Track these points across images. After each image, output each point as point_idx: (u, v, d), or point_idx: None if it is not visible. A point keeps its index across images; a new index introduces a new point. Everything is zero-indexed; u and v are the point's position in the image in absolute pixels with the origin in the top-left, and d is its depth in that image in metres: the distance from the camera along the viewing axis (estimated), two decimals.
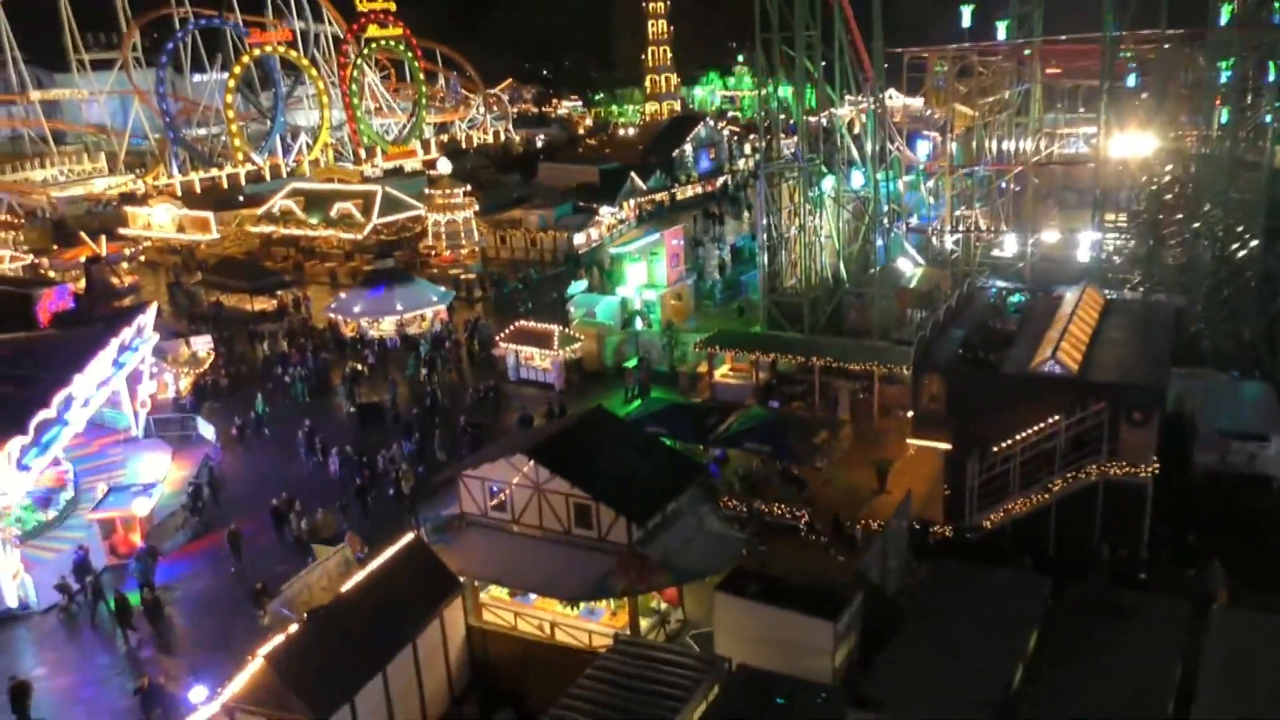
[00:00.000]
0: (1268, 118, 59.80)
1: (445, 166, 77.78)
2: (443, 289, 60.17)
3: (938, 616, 26.02)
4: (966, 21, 60.97)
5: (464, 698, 27.83)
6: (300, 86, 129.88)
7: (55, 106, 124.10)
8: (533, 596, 30.45)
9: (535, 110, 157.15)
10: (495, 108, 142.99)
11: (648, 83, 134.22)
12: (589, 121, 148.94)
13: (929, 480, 36.49)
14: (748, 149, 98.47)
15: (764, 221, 50.21)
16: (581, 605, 29.89)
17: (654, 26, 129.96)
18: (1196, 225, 51.79)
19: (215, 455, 43.94)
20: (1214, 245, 51.74)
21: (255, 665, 23.12)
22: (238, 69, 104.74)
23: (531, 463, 28.86)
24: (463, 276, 67.38)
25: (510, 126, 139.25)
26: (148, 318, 46.17)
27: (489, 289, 65.99)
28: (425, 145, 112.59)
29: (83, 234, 72.50)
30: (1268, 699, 21.42)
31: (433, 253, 72.52)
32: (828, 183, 55.08)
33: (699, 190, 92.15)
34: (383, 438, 43.93)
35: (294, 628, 24.24)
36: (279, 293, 63.77)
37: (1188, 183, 65.52)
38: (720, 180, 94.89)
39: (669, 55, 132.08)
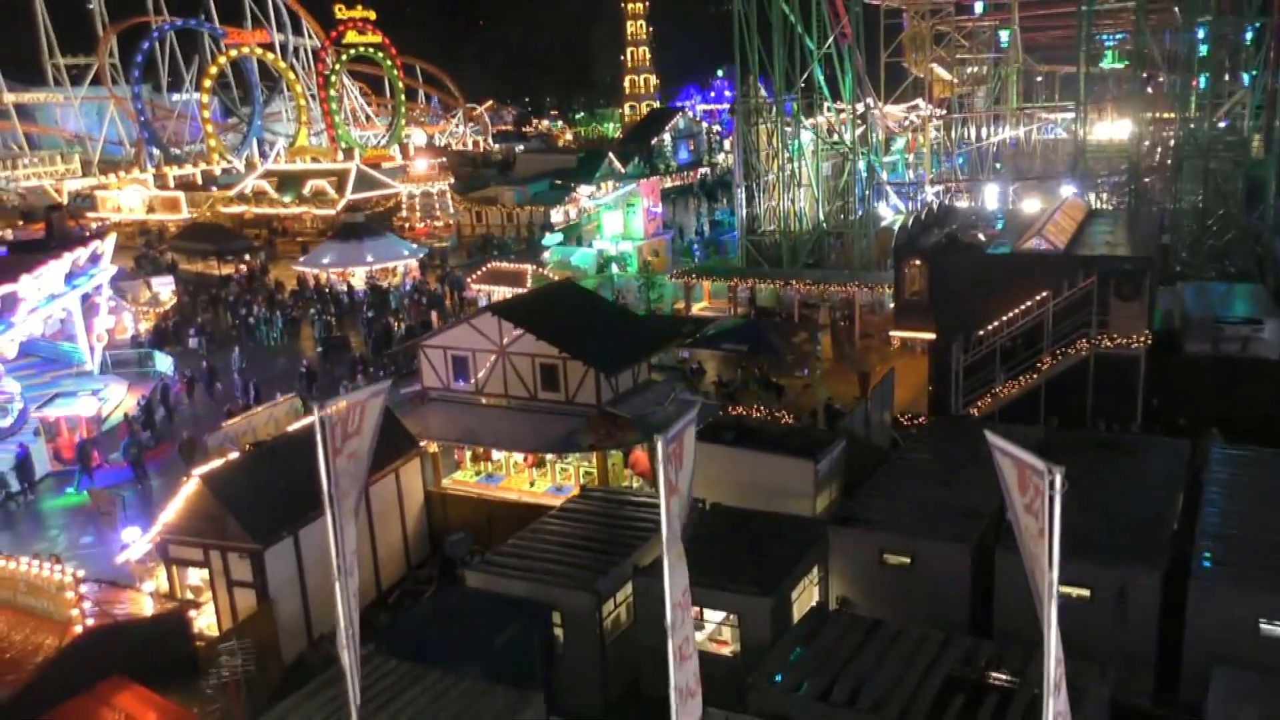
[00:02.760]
0: (1245, 79, 59.58)
1: (420, 138, 76.76)
2: (414, 245, 58.83)
3: (925, 456, 24.60)
4: None
5: (421, 567, 26.11)
6: (278, 97, 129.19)
7: (30, 113, 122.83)
8: (498, 477, 28.87)
9: (515, 130, 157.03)
10: (475, 122, 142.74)
11: (626, 83, 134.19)
12: (568, 136, 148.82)
13: (914, 388, 35.24)
14: (727, 144, 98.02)
15: (740, 159, 49.14)
16: (550, 481, 28.32)
17: (632, 26, 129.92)
18: (1179, 200, 51.16)
19: (173, 383, 42.17)
20: (1195, 215, 51.06)
21: (190, 487, 21.45)
22: (214, 68, 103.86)
23: (496, 322, 27.43)
24: (436, 244, 66.07)
25: (490, 139, 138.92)
26: (106, 245, 44.60)
27: (464, 256, 64.71)
28: (404, 150, 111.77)
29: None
30: (1265, 515, 20.30)
31: (406, 225, 71.29)
32: (806, 136, 54.31)
33: (678, 182, 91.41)
34: (346, 372, 42.32)
35: (234, 455, 22.60)
36: (247, 258, 62.26)
37: (1167, 157, 65.20)
38: (700, 172, 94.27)
39: (648, 56, 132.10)
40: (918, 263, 33.87)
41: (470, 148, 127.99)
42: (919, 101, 66.99)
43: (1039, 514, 7.60)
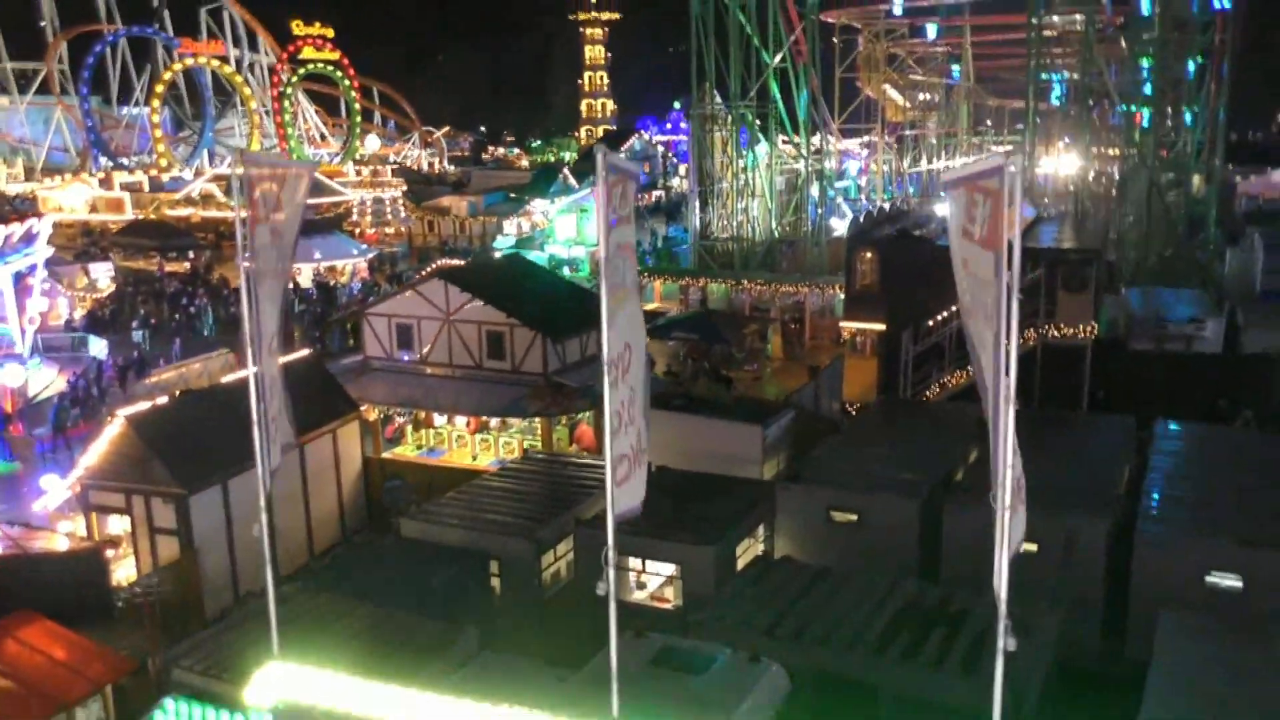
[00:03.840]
0: (1188, 117, 61.09)
1: (373, 144, 76.12)
2: (364, 245, 58.02)
3: (874, 426, 24.39)
4: (898, 10, 61.78)
5: (357, 534, 25.24)
6: (231, 112, 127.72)
7: None
8: (440, 450, 28.13)
9: (471, 156, 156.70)
10: (432, 146, 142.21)
11: (584, 107, 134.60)
12: (524, 163, 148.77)
13: (862, 385, 35.10)
14: (682, 169, 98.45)
15: (695, 165, 49.19)
16: (493, 454, 27.64)
17: (590, 51, 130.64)
18: (1123, 217, 52.12)
19: (107, 367, 40.88)
20: (1138, 233, 51.96)
21: (115, 428, 20.54)
22: (167, 75, 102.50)
23: (443, 288, 26.88)
24: (386, 250, 65.26)
25: (445, 162, 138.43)
26: (42, 225, 43.29)
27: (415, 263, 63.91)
28: (358, 168, 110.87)
29: None
30: (1209, 479, 20.37)
31: (357, 230, 70.37)
32: (761, 148, 54.58)
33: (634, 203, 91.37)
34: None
35: (163, 399, 21.74)
36: (191, 255, 60.98)
37: (1111, 187, 66.54)
38: (654, 195, 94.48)
39: (605, 81, 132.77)
40: (869, 255, 33.94)
41: (426, 169, 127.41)
42: (871, 134, 67.88)
43: (992, 230, 7.00)
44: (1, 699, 15.75)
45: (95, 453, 20.58)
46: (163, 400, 21.42)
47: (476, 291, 26.20)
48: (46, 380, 39.22)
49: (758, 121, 52.89)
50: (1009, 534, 7.50)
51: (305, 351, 25.71)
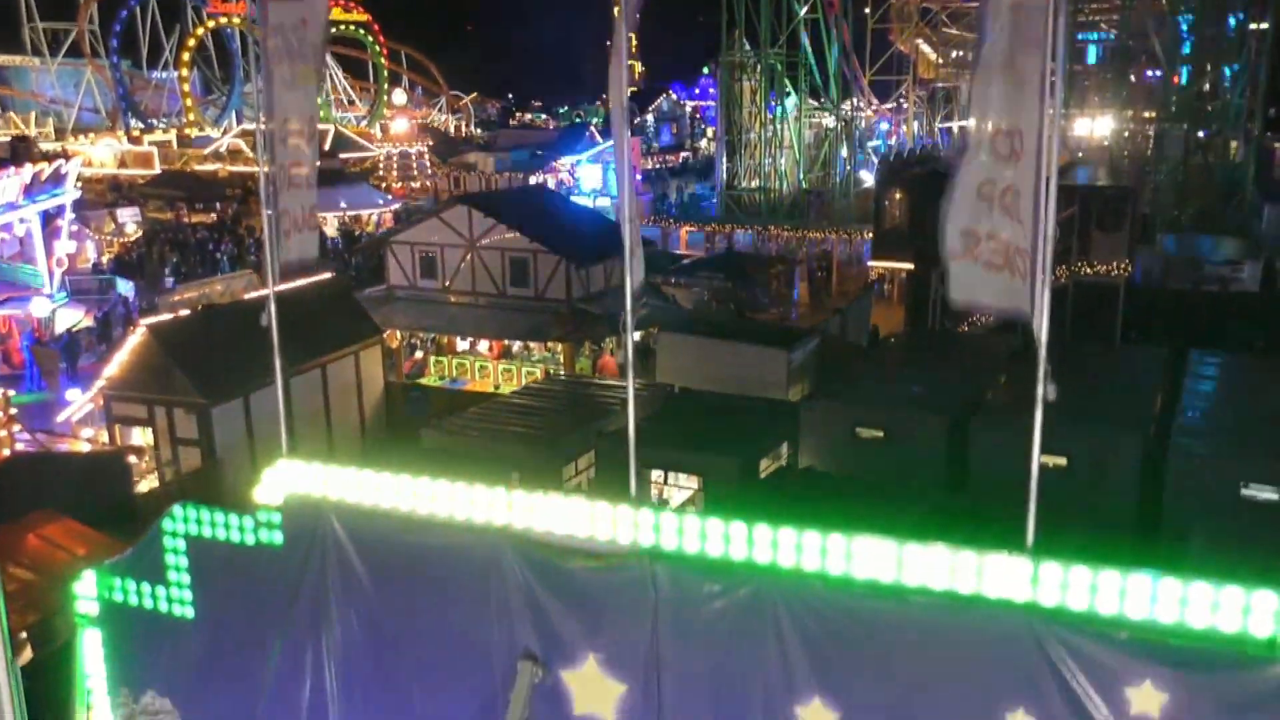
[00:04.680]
0: (1226, 74, 59.71)
1: (400, 99, 75.91)
2: (390, 196, 57.90)
3: (903, 355, 23.99)
4: None
5: None
6: (260, 76, 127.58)
7: (6, 77, 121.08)
8: (462, 381, 28.00)
9: (499, 120, 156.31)
10: (460, 111, 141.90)
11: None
12: (552, 125, 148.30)
13: (889, 329, 34.69)
14: (710, 132, 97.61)
15: (722, 114, 48.65)
16: (515, 384, 27.47)
17: (618, 9, 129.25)
18: (1158, 169, 51.10)
19: (134, 307, 41.04)
20: (1176, 199, 50.90)
21: (137, 337, 20.51)
22: (197, 33, 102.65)
23: (466, 214, 26.65)
24: (412, 204, 65.06)
25: (473, 126, 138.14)
26: (70, 167, 43.46)
27: None
28: (384, 129, 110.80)
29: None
30: (1243, 402, 19.89)
31: (383, 186, 70.23)
32: (790, 100, 53.93)
33: (659, 164, 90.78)
34: None
35: (185, 312, 21.71)
36: (218, 205, 61.09)
37: (1147, 148, 65.29)
38: (681, 156, 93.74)
39: (634, 41, 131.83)
40: (899, 195, 33.40)
41: (453, 132, 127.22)
42: (903, 88, 66.86)
43: None
44: (25, 592, 15.84)
45: (117, 363, 20.55)
46: (185, 312, 21.35)
47: (501, 217, 25.95)
48: (74, 319, 39.45)
49: (787, 72, 52.29)
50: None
51: (329, 275, 25.56)
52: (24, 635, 15.58)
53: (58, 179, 43.03)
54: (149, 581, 7.76)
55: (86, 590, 8.11)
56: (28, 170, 38.96)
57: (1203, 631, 5.07)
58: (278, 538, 7.22)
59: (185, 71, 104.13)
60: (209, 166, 76.45)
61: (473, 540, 6.63)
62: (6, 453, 16.56)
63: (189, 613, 7.66)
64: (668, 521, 6.07)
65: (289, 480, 7.16)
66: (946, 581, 5.50)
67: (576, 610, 6.40)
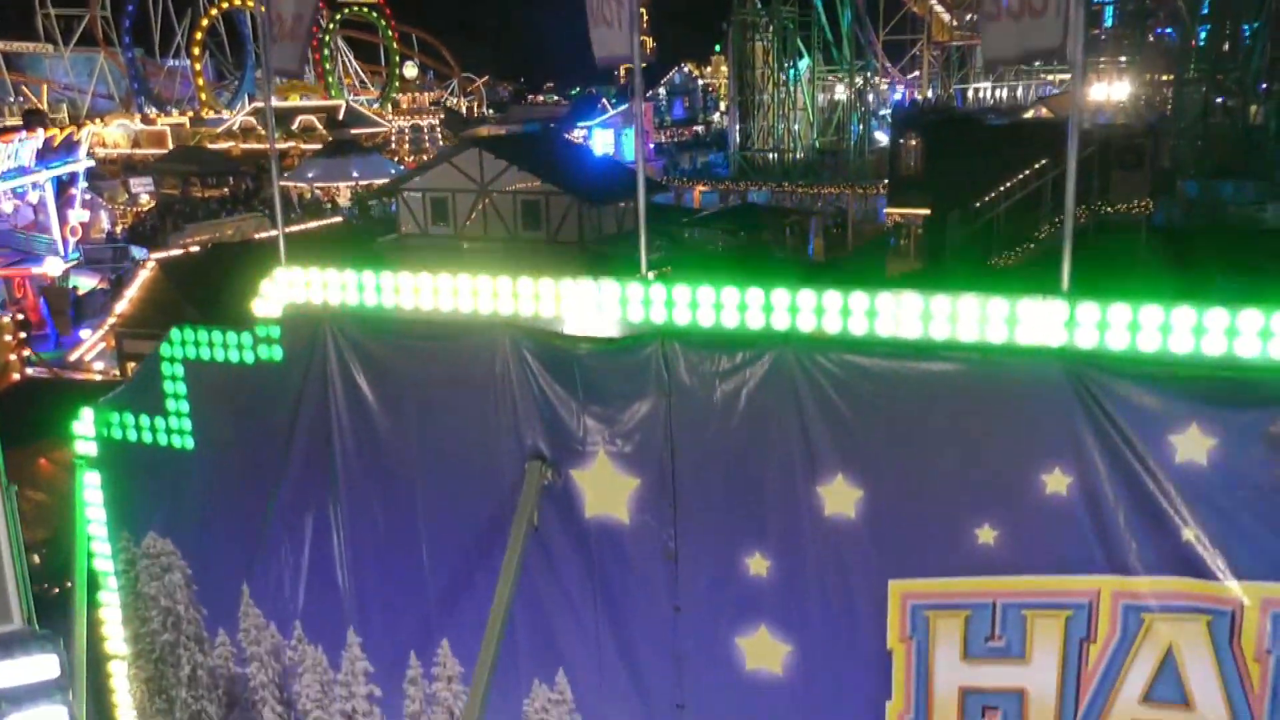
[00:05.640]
0: (1246, 30, 58.67)
1: (411, 71, 75.69)
2: (402, 167, 57.69)
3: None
4: None
5: None
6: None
7: (19, 65, 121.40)
8: None
9: (509, 103, 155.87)
10: (472, 93, 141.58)
11: None
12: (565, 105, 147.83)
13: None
14: (723, 105, 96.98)
15: (733, 74, 48.23)
16: None
17: None
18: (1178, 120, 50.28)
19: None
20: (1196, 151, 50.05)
21: (147, 273, 20.37)
22: (205, 20, 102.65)
23: (478, 156, 26.38)
24: None
25: (485, 107, 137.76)
26: (84, 134, 43.47)
27: None
28: (396, 108, 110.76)
29: None
30: None
31: (395, 158, 70.03)
32: (803, 64, 53.39)
33: (671, 138, 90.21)
34: None
35: (195, 248, 21.53)
36: (231, 180, 61.00)
37: (1166, 106, 64.35)
38: (694, 129, 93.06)
39: (644, 18, 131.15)
40: (914, 141, 32.92)
41: (465, 114, 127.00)
42: (917, 48, 66.11)
43: None
44: (37, 512, 15.76)
45: (128, 300, 20.42)
46: (195, 248, 21.19)
47: (512, 159, 25.66)
48: (87, 287, 39.46)
49: (800, 32, 51.73)
50: None
51: (338, 219, 25.37)
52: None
53: (70, 146, 43.01)
54: (148, 414, 7.53)
55: (84, 429, 7.89)
56: (40, 135, 38.89)
57: (1254, 361, 4.74)
58: (277, 353, 6.97)
59: (197, 53, 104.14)
60: (222, 145, 76.42)
61: (478, 336, 6.34)
62: (16, 376, 16.39)
63: (189, 443, 7.41)
64: (681, 295, 5.77)
65: (287, 290, 6.91)
66: (976, 333, 5.19)
67: (587, 401, 6.11)
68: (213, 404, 7.32)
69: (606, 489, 6.18)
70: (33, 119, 50.30)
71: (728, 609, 6.10)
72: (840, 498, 5.65)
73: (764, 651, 6.07)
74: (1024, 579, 5.40)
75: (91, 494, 7.93)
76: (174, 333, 7.52)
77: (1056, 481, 5.23)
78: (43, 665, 7.88)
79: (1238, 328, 4.76)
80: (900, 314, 5.30)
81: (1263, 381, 4.80)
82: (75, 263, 35.20)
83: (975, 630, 5.57)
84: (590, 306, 6.19)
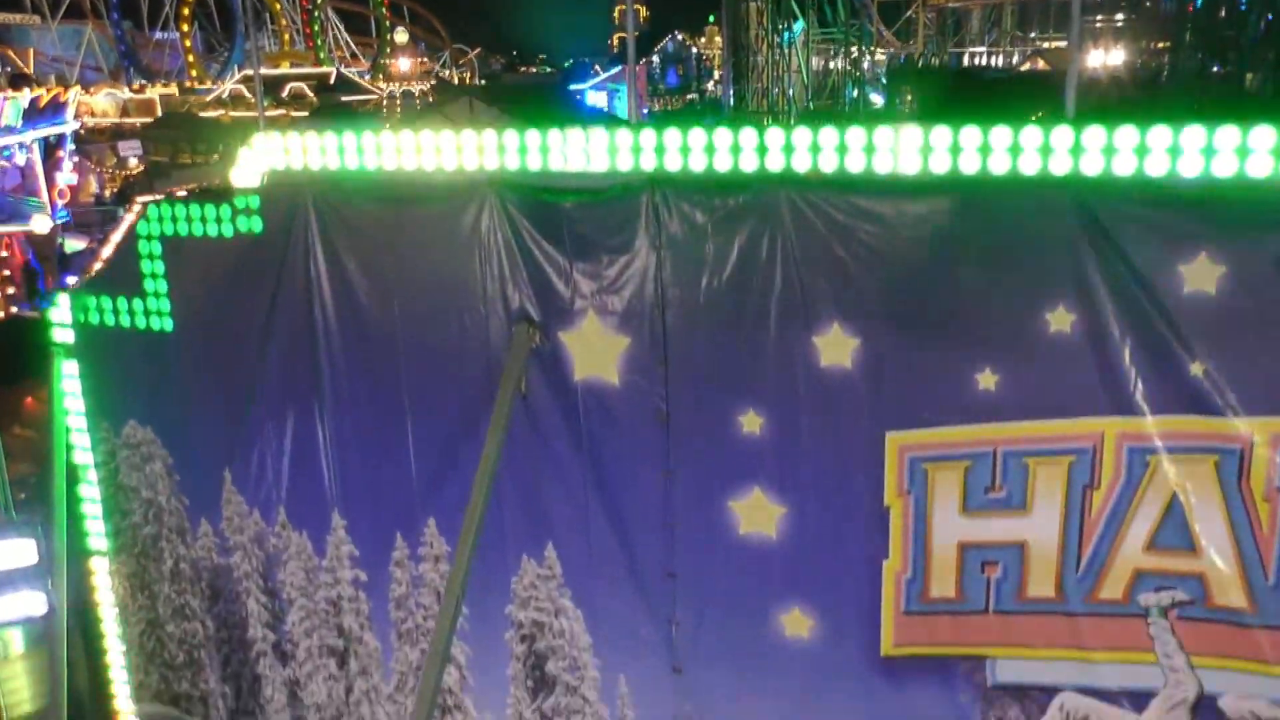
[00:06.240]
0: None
1: (402, 36, 75.03)
2: None
3: None
4: None
5: None
6: (262, 31, 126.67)
7: (7, 36, 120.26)
8: None
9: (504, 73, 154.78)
10: (464, 65, 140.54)
11: (615, 14, 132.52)
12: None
13: None
14: (716, 74, 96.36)
15: (727, 34, 47.78)
16: None
17: None
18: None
19: None
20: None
21: (133, 217, 20.01)
22: None
23: (468, 107, 26.02)
24: None
25: (477, 78, 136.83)
26: (71, 97, 42.87)
27: None
28: (387, 75, 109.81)
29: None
30: None
31: (386, 125, 69.48)
32: (798, 26, 52.90)
33: (664, 106, 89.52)
34: None
35: (182, 193, 21.21)
36: (220, 148, 60.41)
37: (1161, 73, 63.92)
38: (689, 98, 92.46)
39: None
40: (909, 94, 32.68)
41: (457, 83, 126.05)
42: (911, 10, 65.38)
43: None
44: (23, 447, 15.63)
45: (113, 244, 20.12)
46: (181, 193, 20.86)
47: (503, 106, 25.30)
48: (77, 248, 39.12)
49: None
50: None
51: None
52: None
53: (57, 108, 42.53)
54: (125, 295, 7.35)
55: (61, 316, 7.69)
56: (26, 94, 38.41)
57: (1266, 179, 4.57)
58: (257, 224, 6.77)
59: (185, 27, 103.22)
60: (213, 113, 75.78)
61: (463, 194, 6.14)
62: (1, 314, 16.17)
63: (168, 325, 7.23)
64: (672, 139, 5.58)
65: (267, 157, 6.71)
66: (976, 165, 5.02)
67: (574, 258, 5.92)
68: (192, 281, 7.15)
69: (596, 350, 6.01)
70: (19, 80, 49.83)
71: (720, 471, 5.95)
72: (836, 347, 5.48)
73: (757, 514, 5.93)
74: (1025, 424, 5.25)
75: (69, 384, 7.74)
76: (150, 209, 7.33)
77: (1060, 319, 5.07)
78: (20, 551, 7.75)
79: (1249, 145, 4.59)
80: (899, 149, 5.11)
81: (1276, 201, 4.63)
82: (63, 223, 34.79)
83: (975, 481, 5.42)
84: (579, 157, 5.97)
